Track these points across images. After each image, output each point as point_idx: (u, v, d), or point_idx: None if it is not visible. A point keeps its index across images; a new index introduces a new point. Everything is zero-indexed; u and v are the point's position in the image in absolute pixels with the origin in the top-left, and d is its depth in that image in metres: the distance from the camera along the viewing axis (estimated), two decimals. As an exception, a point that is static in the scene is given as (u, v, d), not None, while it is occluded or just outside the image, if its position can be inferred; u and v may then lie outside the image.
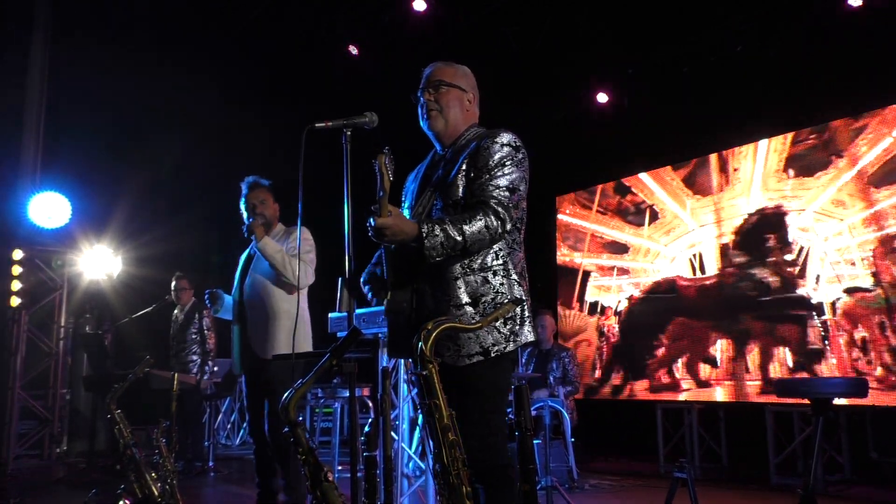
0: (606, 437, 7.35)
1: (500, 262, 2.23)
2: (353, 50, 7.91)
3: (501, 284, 2.21)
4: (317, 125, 2.26)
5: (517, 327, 2.21)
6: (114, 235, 8.00)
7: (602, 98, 7.50)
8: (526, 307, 2.25)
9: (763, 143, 6.55)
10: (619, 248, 7.83)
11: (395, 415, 4.22)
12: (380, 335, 4.25)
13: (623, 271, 7.75)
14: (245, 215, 3.86)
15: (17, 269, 7.06)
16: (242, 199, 3.89)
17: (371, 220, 2.07)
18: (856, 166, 5.86)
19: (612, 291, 7.84)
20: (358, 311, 4.14)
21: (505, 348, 2.17)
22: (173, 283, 6.32)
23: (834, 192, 6.00)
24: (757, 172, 6.58)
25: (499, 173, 2.22)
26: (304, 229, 3.73)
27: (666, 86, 7.04)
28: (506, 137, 2.29)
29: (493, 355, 2.15)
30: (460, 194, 2.24)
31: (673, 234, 7.29)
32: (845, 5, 5.72)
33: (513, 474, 2.15)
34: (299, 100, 8.31)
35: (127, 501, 3.27)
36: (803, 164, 6.23)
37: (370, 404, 5.53)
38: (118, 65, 7.44)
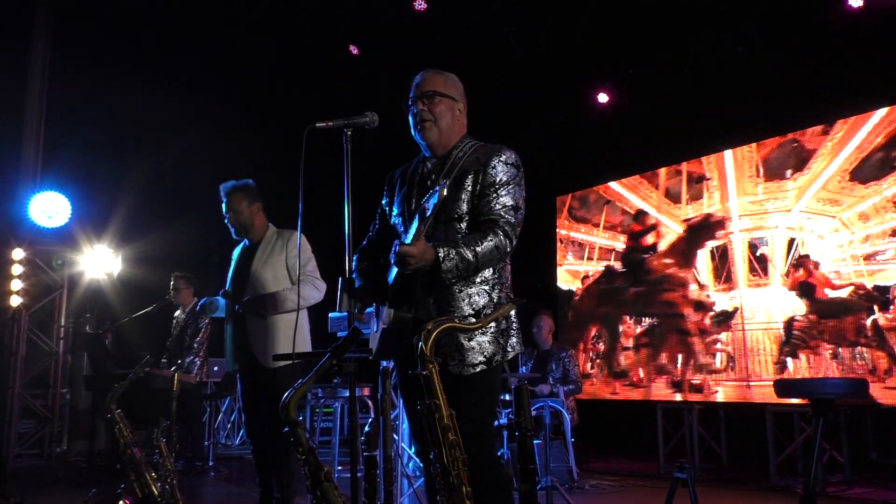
0: (607, 437, 7.34)
1: (497, 275, 2.32)
2: (354, 50, 7.92)
3: (499, 298, 2.30)
4: (317, 125, 2.26)
5: (510, 339, 2.31)
6: (114, 235, 8.00)
7: (602, 98, 7.51)
8: (514, 319, 2.34)
9: (766, 142, 6.54)
10: (615, 256, 7.85)
11: (395, 415, 4.22)
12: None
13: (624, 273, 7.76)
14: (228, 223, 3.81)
15: (17, 269, 7.06)
16: (223, 207, 3.80)
17: (396, 245, 2.11)
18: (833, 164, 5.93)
19: (613, 292, 7.85)
20: (358, 310, 4.13)
21: (502, 358, 2.29)
22: (172, 282, 6.33)
23: (816, 191, 6.04)
24: (757, 172, 6.59)
25: (504, 192, 2.30)
26: (298, 236, 3.69)
27: (667, 86, 7.04)
28: (511, 157, 2.36)
29: (493, 364, 2.25)
30: (465, 209, 2.31)
31: (668, 238, 7.31)
32: (846, 5, 5.72)
33: (505, 472, 2.27)
34: (299, 100, 8.31)
35: (127, 501, 3.27)
36: (801, 163, 6.24)
37: (370, 404, 5.53)
38: (118, 65, 7.45)
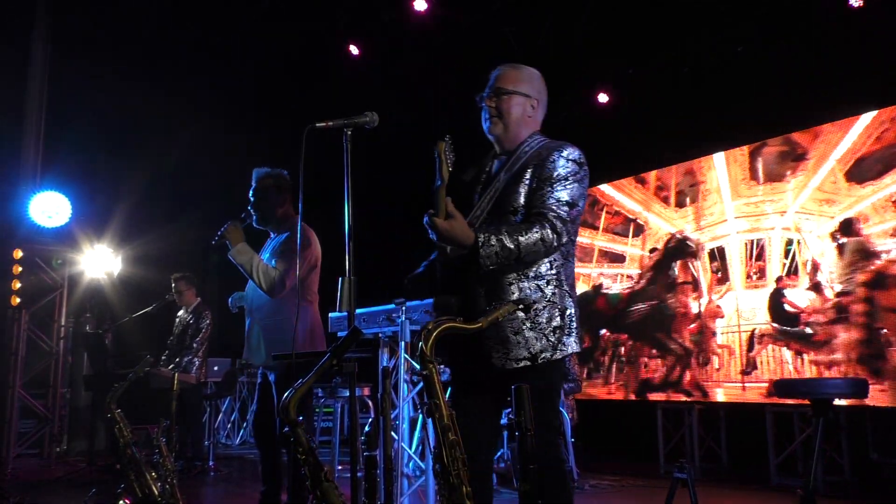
0: (607, 437, 7.34)
1: (554, 271, 2.27)
2: (354, 50, 7.91)
3: (553, 294, 2.25)
4: (317, 125, 2.26)
5: (564, 336, 2.25)
6: (114, 235, 8.00)
7: (603, 98, 7.50)
8: (574, 318, 2.29)
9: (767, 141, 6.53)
10: (616, 258, 7.84)
11: (395, 414, 4.22)
12: (380, 335, 4.25)
13: (629, 277, 7.75)
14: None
15: (17, 269, 7.06)
16: (250, 191, 3.74)
17: (426, 217, 2.11)
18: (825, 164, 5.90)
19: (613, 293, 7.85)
20: (358, 310, 4.14)
21: (552, 356, 2.22)
22: (172, 285, 6.33)
23: (811, 192, 6.01)
24: (757, 173, 6.58)
25: (560, 187, 2.26)
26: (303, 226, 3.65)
27: (666, 86, 7.04)
28: (573, 153, 2.32)
29: (539, 362, 2.21)
30: (521, 202, 2.28)
31: (663, 241, 7.31)
32: (846, 5, 5.72)
33: (564, 470, 2.28)
34: (299, 100, 8.31)
35: (127, 501, 3.27)
36: (795, 165, 6.23)
37: (370, 404, 5.54)
38: (118, 64, 7.46)
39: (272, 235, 3.79)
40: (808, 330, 5.96)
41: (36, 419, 7.31)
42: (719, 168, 6.86)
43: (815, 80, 6.03)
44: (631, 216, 7.69)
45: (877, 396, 5.37)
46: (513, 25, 7.31)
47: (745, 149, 6.62)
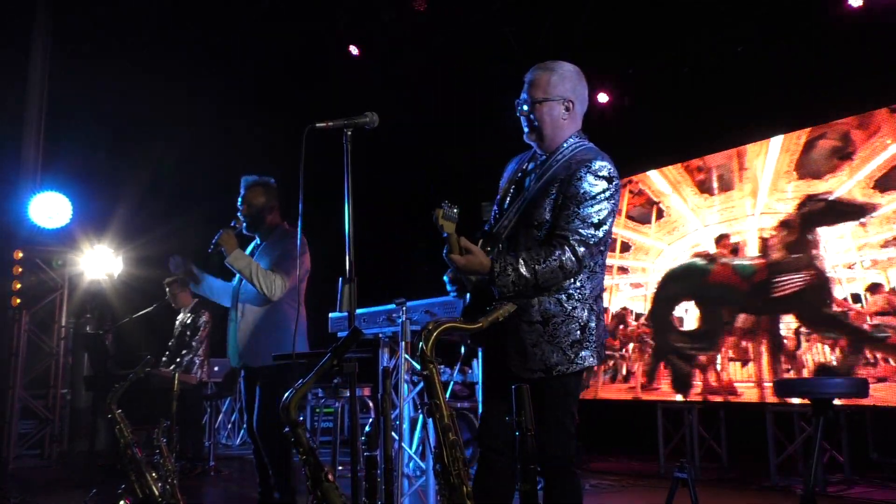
0: (607, 437, 7.34)
1: (578, 285, 2.26)
2: (354, 50, 7.91)
3: (574, 309, 2.24)
4: (318, 125, 2.27)
5: (582, 351, 2.25)
6: (114, 235, 8.00)
7: (602, 98, 7.51)
8: (594, 332, 2.27)
9: (776, 140, 6.43)
10: (621, 247, 7.80)
11: (395, 415, 4.22)
12: (380, 335, 4.25)
13: (623, 270, 7.74)
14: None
15: (17, 269, 7.06)
16: (239, 199, 3.83)
17: (444, 254, 2.17)
18: (863, 170, 5.82)
19: (612, 292, 7.83)
20: (358, 310, 4.14)
21: (567, 370, 2.23)
22: (167, 290, 6.33)
23: (841, 195, 5.93)
24: (767, 173, 6.53)
25: (586, 207, 2.22)
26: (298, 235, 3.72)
27: (666, 86, 7.04)
28: (602, 168, 2.27)
29: (554, 374, 2.22)
30: (546, 217, 2.26)
31: (676, 233, 7.27)
32: (846, 5, 5.72)
33: (573, 468, 2.28)
34: (299, 100, 8.32)
35: (127, 501, 3.27)
36: (810, 167, 6.19)
37: (370, 404, 5.54)
38: (118, 65, 7.46)
39: (257, 240, 3.89)
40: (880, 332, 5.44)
41: (36, 420, 7.31)
42: (770, 156, 6.41)
43: (815, 80, 6.03)
44: (655, 198, 7.43)
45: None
46: (513, 25, 7.31)
47: (803, 136, 6.18)
